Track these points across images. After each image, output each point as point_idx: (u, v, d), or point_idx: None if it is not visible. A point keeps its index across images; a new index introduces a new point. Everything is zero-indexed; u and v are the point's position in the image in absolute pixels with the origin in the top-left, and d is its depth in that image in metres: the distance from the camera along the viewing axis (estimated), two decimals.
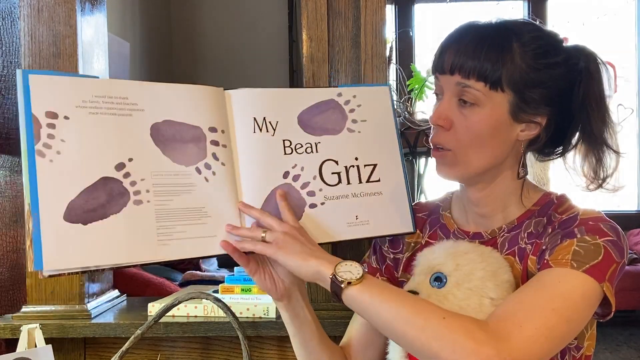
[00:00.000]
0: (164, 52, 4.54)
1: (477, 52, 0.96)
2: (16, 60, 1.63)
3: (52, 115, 0.92)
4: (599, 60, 1.02)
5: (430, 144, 1.04)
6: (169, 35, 4.66)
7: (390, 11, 4.93)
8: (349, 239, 1.08)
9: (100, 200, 0.92)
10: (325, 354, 1.11)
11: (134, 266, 0.96)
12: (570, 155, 1.05)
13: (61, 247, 0.90)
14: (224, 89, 1.05)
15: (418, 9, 5.25)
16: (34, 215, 0.88)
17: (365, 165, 1.10)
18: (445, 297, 0.97)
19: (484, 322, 0.86)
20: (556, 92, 0.99)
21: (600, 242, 0.93)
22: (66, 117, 0.92)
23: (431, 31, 5.33)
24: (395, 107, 1.18)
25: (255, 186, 1.04)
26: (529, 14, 4.81)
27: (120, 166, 0.95)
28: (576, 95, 1.00)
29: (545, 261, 0.94)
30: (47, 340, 1.32)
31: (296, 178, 1.06)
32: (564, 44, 1.02)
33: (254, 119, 1.05)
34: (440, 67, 1.01)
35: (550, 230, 0.99)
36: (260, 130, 1.05)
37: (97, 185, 0.93)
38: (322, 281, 0.94)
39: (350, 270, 0.92)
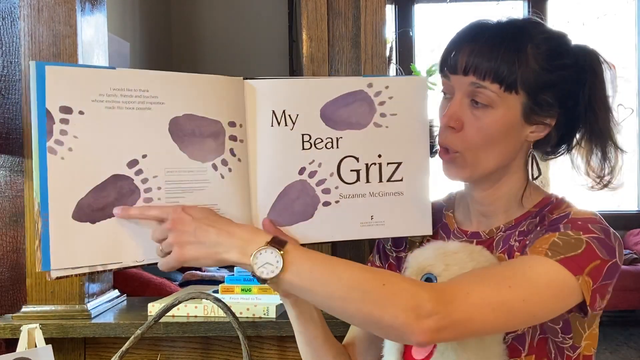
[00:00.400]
0: (164, 52, 4.54)
1: (493, 53, 0.95)
2: (16, 60, 1.63)
3: (66, 110, 0.88)
4: (601, 58, 1.02)
5: (437, 145, 1.03)
6: (169, 35, 4.66)
7: (390, 11, 4.93)
8: (360, 238, 1.06)
9: (109, 199, 0.90)
10: (330, 353, 1.11)
11: (142, 266, 0.95)
12: (575, 153, 1.05)
13: (69, 246, 0.88)
14: (244, 78, 1.01)
15: (418, 9, 5.25)
16: (44, 215, 0.86)
17: (388, 163, 1.05)
18: None
19: (429, 285, 0.87)
20: (566, 93, 0.99)
21: (584, 237, 0.92)
22: (81, 112, 0.89)
23: (431, 31, 5.32)
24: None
25: (269, 182, 1.01)
26: (529, 14, 4.80)
27: (132, 163, 0.92)
28: (583, 95, 1.00)
29: (525, 253, 0.94)
30: (47, 340, 1.32)
31: (312, 174, 1.02)
32: (571, 43, 1.02)
33: (273, 112, 1.01)
34: (453, 66, 0.99)
35: (539, 228, 0.99)
36: (279, 123, 1.01)
37: (107, 183, 0.90)
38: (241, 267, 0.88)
39: (268, 260, 0.84)
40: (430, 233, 1.10)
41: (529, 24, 1.01)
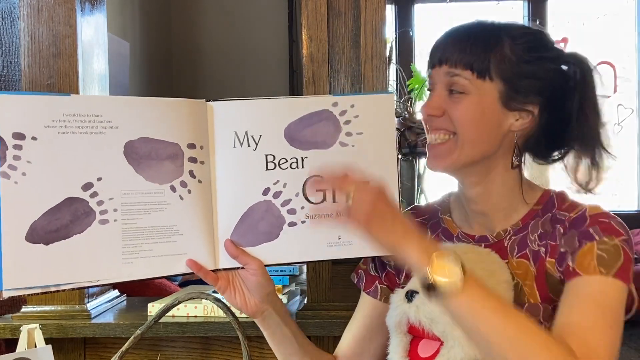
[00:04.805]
0: (164, 52, 4.53)
1: (464, 43, 1.00)
2: (16, 60, 1.63)
3: (19, 136, 0.91)
4: (591, 66, 1.03)
5: (427, 139, 1.05)
6: (169, 35, 4.66)
7: (390, 11, 4.92)
8: (327, 259, 1.05)
9: (63, 221, 0.93)
10: None
11: (97, 286, 0.96)
12: (568, 158, 1.06)
13: (21, 267, 0.90)
14: (207, 100, 1.02)
15: (418, 9, 5.24)
16: None
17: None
18: None
19: (564, 344, 0.86)
20: (548, 84, 1.01)
21: (618, 243, 0.95)
22: (34, 138, 0.92)
23: (431, 31, 5.32)
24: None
25: (231, 203, 1.02)
26: (529, 13, 4.80)
27: (87, 186, 0.94)
28: (571, 100, 1.02)
29: (572, 269, 0.95)
30: (47, 340, 1.31)
31: (277, 195, 1.02)
32: (556, 45, 1.04)
33: (235, 133, 1.02)
34: (431, 61, 1.04)
35: (562, 230, 1.00)
36: (241, 144, 1.02)
37: (61, 205, 0.93)
38: (413, 269, 0.91)
39: (447, 275, 0.83)
40: None
41: (508, 23, 1.04)
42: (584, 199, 1.05)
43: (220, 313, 1.45)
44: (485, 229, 1.07)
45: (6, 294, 0.90)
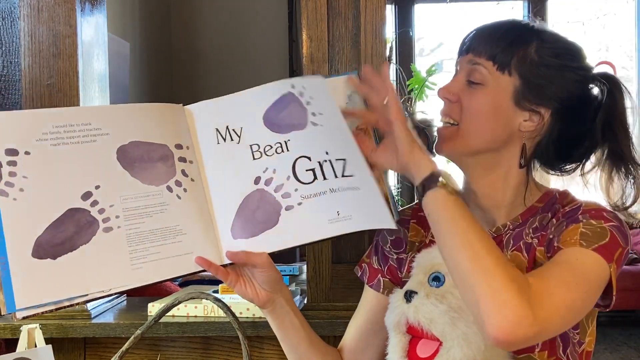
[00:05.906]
0: (164, 52, 4.53)
1: (492, 36, 1.02)
2: (16, 60, 1.63)
3: (12, 152, 0.91)
4: (622, 87, 1.05)
5: (440, 121, 1.07)
6: (169, 35, 4.66)
7: (390, 11, 4.92)
8: (333, 235, 1.03)
9: (67, 233, 0.92)
10: (316, 358, 1.11)
11: (110, 295, 0.96)
12: (590, 174, 1.06)
13: (32, 284, 0.89)
14: (183, 105, 1.04)
15: (418, 9, 5.24)
16: (2, 259, 0.88)
17: (336, 160, 1.03)
18: (444, 296, 0.97)
19: (527, 288, 0.85)
20: (565, 92, 1.02)
21: (606, 226, 0.95)
22: (27, 153, 0.91)
23: (431, 31, 5.32)
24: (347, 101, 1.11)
25: (225, 198, 1.02)
26: (529, 13, 4.79)
27: (86, 195, 0.94)
28: (590, 117, 1.03)
29: (555, 247, 0.96)
30: (47, 340, 1.31)
31: (269, 182, 1.02)
32: (587, 60, 1.05)
33: (216, 129, 1.03)
34: (459, 50, 1.07)
35: (555, 221, 1.01)
36: (225, 140, 1.03)
37: (63, 218, 0.92)
38: (413, 173, 0.96)
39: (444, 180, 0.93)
40: (393, 227, 1.06)
41: (543, 28, 1.05)
42: (588, 195, 1.05)
43: (220, 313, 1.45)
44: (485, 225, 1.07)
45: (20, 314, 0.89)
